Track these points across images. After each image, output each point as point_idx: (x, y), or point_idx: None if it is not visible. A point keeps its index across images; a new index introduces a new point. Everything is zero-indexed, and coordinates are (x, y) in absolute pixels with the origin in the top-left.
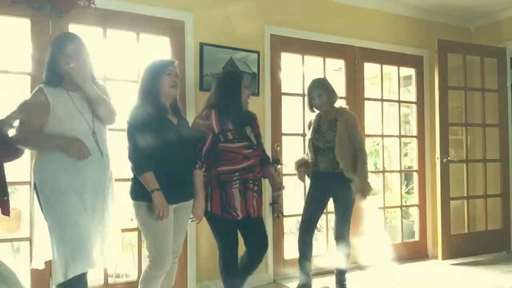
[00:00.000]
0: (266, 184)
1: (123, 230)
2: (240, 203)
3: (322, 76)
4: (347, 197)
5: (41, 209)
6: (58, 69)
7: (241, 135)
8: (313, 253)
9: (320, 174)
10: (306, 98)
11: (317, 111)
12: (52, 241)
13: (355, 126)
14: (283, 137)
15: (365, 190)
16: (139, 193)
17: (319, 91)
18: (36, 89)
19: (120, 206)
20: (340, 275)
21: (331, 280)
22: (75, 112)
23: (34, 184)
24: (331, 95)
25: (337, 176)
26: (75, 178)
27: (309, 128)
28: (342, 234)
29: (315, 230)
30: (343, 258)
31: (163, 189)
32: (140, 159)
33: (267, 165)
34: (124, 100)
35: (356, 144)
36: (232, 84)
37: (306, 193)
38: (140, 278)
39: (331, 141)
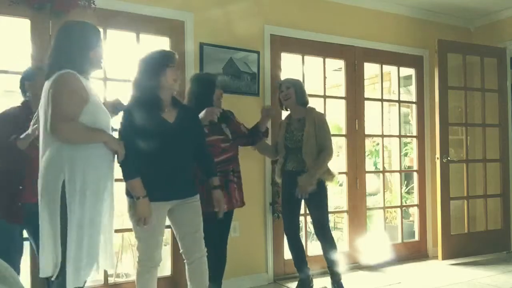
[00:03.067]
0: (265, 185)
1: (123, 230)
2: (223, 196)
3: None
4: (315, 195)
5: (60, 208)
6: (89, 56)
7: (216, 130)
8: (315, 253)
9: (289, 173)
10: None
11: (288, 112)
12: (69, 242)
13: (322, 124)
14: None
15: (306, 186)
16: (129, 190)
17: (288, 84)
18: (68, 74)
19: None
20: (335, 275)
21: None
22: (101, 104)
23: (61, 182)
24: (300, 92)
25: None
26: (108, 179)
27: (279, 129)
28: (321, 232)
29: (299, 228)
30: (331, 255)
31: (156, 186)
32: (128, 164)
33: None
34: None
35: (321, 140)
36: (204, 86)
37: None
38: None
39: (299, 141)
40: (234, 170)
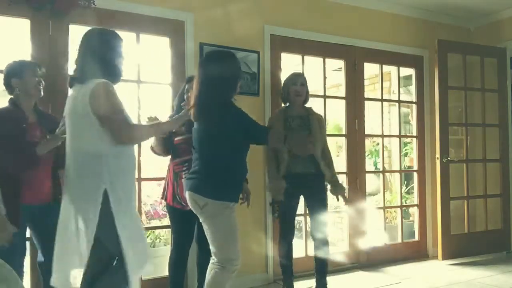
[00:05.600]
0: (265, 185)
1: None
2: None
3: (321, 77)
4: (323, 195)
5: (100, 216)
6: (117, 64)
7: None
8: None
9: (297, 176)
10: (284, 88)
11: (281, 108)
12: (125, 246)
13: (323, 125)
14: None
15: (342, 193)
16: (230, 193)
17: (304, 81)
18: (108, 85)
19: None
20: (323, 278)
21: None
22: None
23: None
24: (308, 91)
25: (314, 176)
26: (134, 186)
27: (274, 122)
28: (321, 232)
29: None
30: (324, 257)
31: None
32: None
33: None
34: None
35: (324, 143)
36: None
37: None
38: (213, 283)
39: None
40: None
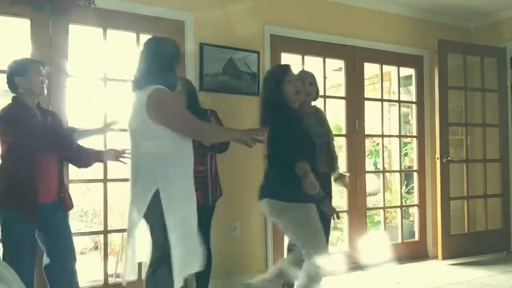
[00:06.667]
0: None
1: (123, 230)
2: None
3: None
4: (331, 195)
5: (153, 214)
6: (175, 72)
7: None
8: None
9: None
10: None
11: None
12: (173, 243)
13: (328, 124)
14: None
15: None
16: (299, 194)
17: (313, 81)
18: (164, 91)
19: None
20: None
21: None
22: None
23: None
24: (318, 90)
25: (327, 175)
26: (192, 185)
27: None
28: (328, 231)
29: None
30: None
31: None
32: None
33: None
34: (124, 100)
35: (331, 141)
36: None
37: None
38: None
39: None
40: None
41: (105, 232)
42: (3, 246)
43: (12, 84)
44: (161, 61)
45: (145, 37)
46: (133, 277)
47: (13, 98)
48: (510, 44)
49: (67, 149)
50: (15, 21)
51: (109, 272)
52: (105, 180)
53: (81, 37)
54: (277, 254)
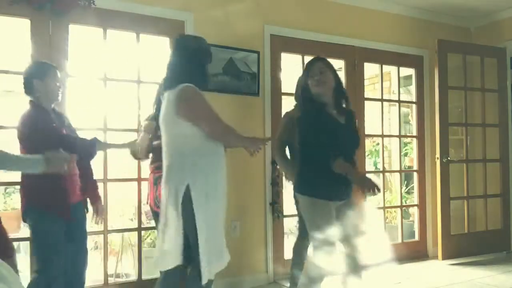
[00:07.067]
0: (265, 185)
1: (124, 230)
2: None
3: None
4: None
5: (183, 211)
6: (206, 71)
7: None
8: None
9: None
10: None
11: (294, 108)
12: (201, 240)
13: None
14: None
15: None
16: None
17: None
18: (193, 89)
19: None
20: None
21: None
22: None
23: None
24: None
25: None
26: (223, 182)
27: (288, 126)
28: None
29: None
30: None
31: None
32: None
33: None
34: (124, 100)
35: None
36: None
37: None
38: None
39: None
40: None
41: (105, 232)
42: (36, 247)
43: (29, 87)
44: (192, 59)
45: (145, 37)
46: (133, 277)
47: (31, 103)
48: (510, 44)
49: (86, 158)
50: (15, 21)
51: (109, 272)
52: (105, 180)
53: (81, 37)
54: (277, 254)
